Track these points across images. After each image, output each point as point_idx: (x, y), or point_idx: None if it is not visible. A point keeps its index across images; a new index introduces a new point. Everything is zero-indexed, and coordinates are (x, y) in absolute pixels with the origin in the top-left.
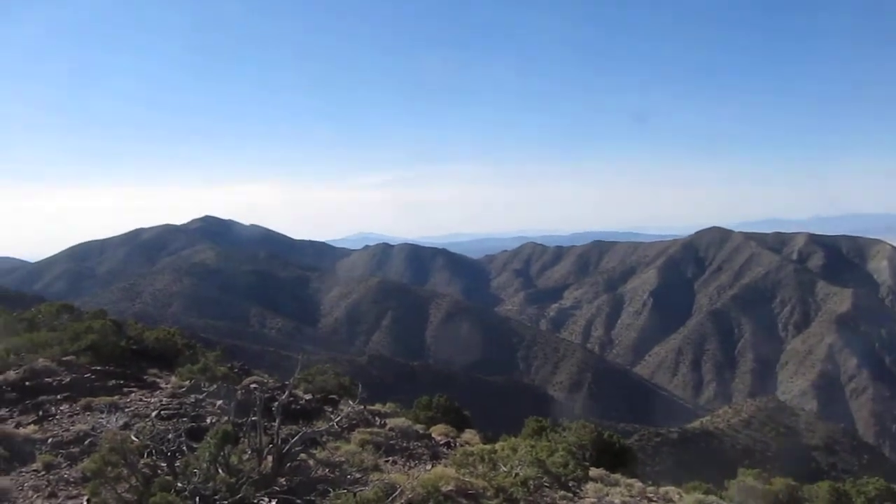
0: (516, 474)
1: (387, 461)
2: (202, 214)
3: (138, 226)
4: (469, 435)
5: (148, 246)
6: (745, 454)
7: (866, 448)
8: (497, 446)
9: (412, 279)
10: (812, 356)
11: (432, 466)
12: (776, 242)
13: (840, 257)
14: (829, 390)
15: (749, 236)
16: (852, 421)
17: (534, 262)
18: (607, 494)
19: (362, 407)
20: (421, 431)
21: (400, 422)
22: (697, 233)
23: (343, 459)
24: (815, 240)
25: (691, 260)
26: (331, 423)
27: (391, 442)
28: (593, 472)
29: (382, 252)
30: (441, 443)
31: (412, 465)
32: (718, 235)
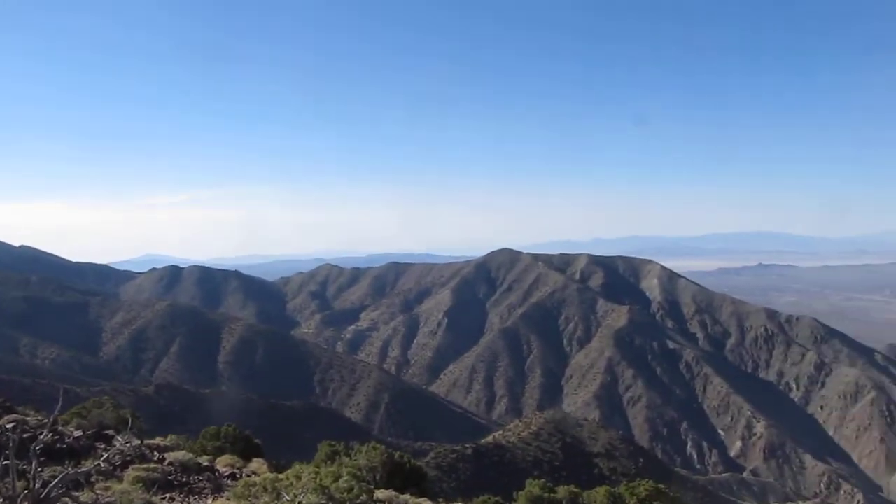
0: (299, 503)
1: (163, 498)
2: None
3: None
4: (257, 464)
5: None
6: (536, 465)
7: (642, 452)
8: (282, 475)
9: (203, 303)
10: (594, 369)
11: (213, 500)
12: (561, 263)
13: (617, 276)
14: (609, 400)
15: (537, 257)
16: (629, 427)
17: (330, 283)
18: None
19: (139, 442)
20: (204, 464)
21: (181, 455)
22: (489, 254)
23: (112, 500)
24: (595, 261)
25: (484, 280)
26: (97, 462)
27: (170, 477)
28: (382, 493)
29: (171, 275)
30: (225, 474)
31: (191, 500)
32: (509, 257)
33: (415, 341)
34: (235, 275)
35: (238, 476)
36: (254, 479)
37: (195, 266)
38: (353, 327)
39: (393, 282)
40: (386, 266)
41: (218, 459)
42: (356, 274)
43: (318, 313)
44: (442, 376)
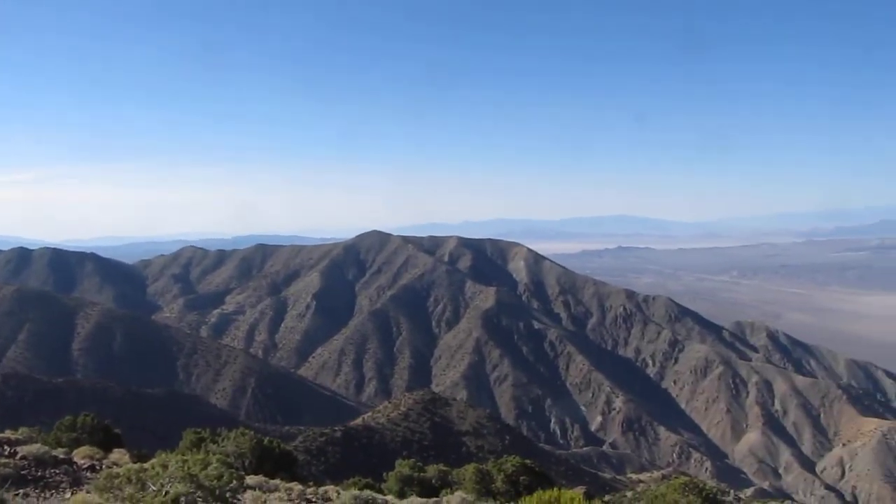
0: (167, 492)
1: (17, 494)
2: None
3: None
4: (118, 455)
5: None
6: (405, 445)
7: (508, 429)
8: (147, 464)
9: (56, 287)
10: (462, 349)
11: (72, 494)
12: (430, 245)
13: (485, 258)
14: (477, 379)
15: (407, 240)
16: (496, 406)
17: (194, 266)
18: (266, 501)
19: None
20: (61, 457)
21: (34, 448)
22: (358, 236)
23: None
24: (463, 243)
25: (353, 262)
26: None
27: (23, 472)
28: (252, 479)
29: (19, 257)
30: (84, 467)
31: (48, 495)
32: (378, 239)
33: (283, 324)
34: (91, 257)
35: (98, 468)
36: (116, 470)
37: (46, 248)
38: (217, 311)
39: (260, 264)
40: (253, 248)
41: (75, 451)
42: (221, 256)
43: (181, 297)
44: (311, 359)
